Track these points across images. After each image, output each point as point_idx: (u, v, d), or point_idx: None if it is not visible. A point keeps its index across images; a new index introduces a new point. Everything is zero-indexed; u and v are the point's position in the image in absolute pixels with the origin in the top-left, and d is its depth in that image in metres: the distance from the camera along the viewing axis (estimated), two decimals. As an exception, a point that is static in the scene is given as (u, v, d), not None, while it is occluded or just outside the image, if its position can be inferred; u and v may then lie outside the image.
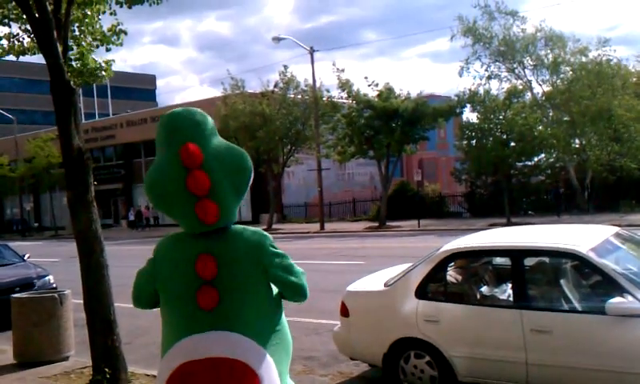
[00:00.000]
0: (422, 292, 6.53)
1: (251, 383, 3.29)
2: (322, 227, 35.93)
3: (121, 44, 8.62)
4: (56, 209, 51.30)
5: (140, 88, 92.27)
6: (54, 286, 12.08)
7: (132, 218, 50.40)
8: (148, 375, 7.64)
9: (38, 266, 13.51)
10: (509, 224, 27.21)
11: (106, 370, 7.24)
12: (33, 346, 8.55)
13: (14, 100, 78.02)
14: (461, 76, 37.76)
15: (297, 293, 3.59)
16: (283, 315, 3.70)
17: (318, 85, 37.48)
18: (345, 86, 35.08)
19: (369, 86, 35.22)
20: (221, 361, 3.32)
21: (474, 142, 33.29)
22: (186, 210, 3.40)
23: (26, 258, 13.95)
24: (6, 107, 62.20)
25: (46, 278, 12.58)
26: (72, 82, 7.57)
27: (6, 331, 9.27)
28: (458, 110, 35.41)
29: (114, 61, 8.26)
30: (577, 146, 34.92)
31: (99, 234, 7.47)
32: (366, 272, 8.36)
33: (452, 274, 6.83)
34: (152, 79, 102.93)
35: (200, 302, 3.41)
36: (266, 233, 3.62)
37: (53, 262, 21.17)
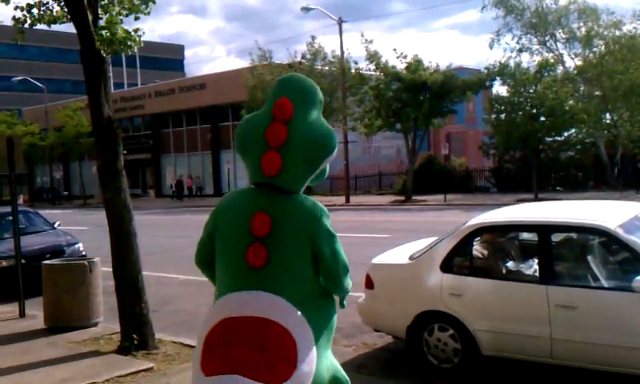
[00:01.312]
0: (447, 266, 6.53)
1: (285, 345, 3.34)
2: (348, 200, 35.95)
3: (149, 13, 8.63)
4: (85, 178, 51.98)
5: (168, 58, 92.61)
6: (84, 253, 12.29)
7: (173, 187, 49.65)
8: (175, 342, 7.77)
9: (68, 234, 13.74)
10: (536, 200, 26.96)
11: (134, 336, 7.39)
12: (63, 312, 8.72)
13: (44, 69, 78.96)
14: (491, 48, 37.64)
15: (331, 278, 3.59)
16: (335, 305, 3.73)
17: (345, 56, 37.26)
18: (373, 57, 34.81)
19: (397, 57, 34.97)
20: (259, 320, 3.37)
21: (503, 115, 32.88)
22: (256, 156, 3.52)
23: (56, 225, 14.19)
24: (36, 76, 62.98)
25: (76, 245, 12.80)
26: (102, 51, 7.62)
27: (37, 297, 9.46)
28: (487, 83, 35.01)
29: (143, 31, 8.25)
30: (608, 121, 34.34)
31: (128, 202, 7.58)
32: (390, 245, 8.37)
33: (478, 249, 6.81)
34: (180, 49, 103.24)
35: (249, 259, 3.47)
36: (325, 209, 3.64)
37: (82, 230, 21.51)
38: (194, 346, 7.59)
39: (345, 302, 3.81)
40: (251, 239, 3.47)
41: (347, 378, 3.80)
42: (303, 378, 3.34)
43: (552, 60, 34.28)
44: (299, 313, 3.43)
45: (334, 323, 3.72)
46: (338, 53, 37.45)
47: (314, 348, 3.44)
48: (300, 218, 3.51)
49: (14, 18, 8.57)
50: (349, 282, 3.68)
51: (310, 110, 3.64)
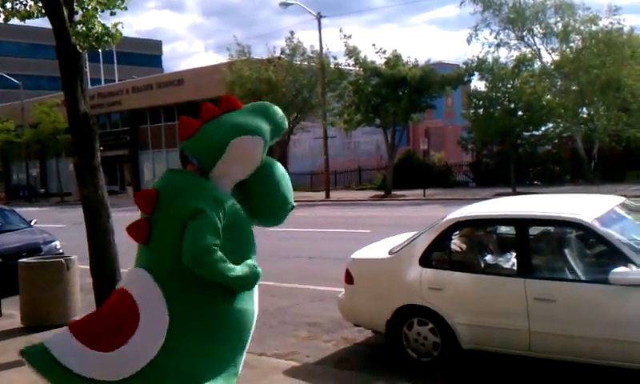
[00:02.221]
0: (426, 260, 6.54)
1: (126, 319, 3.28)
2: (328, 196, 35.98)
3: (125, 8, 8.55)
4: (62, 175, 51.43)
5: (146, 54, 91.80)
6: (61, 251, 12.15)
7: None
8: (154, 339, 7.71)
9: (45, 232, 13.57)
10: (514, 194, 27.15)
11: (112, 333, 7.32)
12: (40, 311, 8.62)
13: (19, 65, 77.81)
14: (469, 43, 37.53)
15: (186, 258, 3.33)
16: (234, 301, 3.49)
17: (324, 51, 37.25)
18: (352, 52, 34.83)
19: (376, 53, 35.05)
20: (118, 291, 3.44)
21: (482, 110, 33.09)
22: None
23: (32, 223, 14.01)
24: (11, 72, 62.12)
25: (53, 243, 12.65)
26: (78, 47, 7.54)
27: (14, 296, 9.35)
28: (465, 78, 35.19)
29: (122, 25, 8.16)
30: (585, 115, 34.67)
31: (105, 199, 7.50)
32: (370, 240, 8.38)
33: (456, 243, 6.84)
34: (158, 45, 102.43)
35: (128, 233, 3.51)
36: (207, 188, 3.46)
37: (59, 228, 21.29)
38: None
39: (242, 286, 3.52)
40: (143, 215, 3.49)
41: None
42: (129, 357, 3.23)
43: (530, 55, 34.53)
44: (160, 293, 3.31)
45: (227, 336, 3.45)
46: (317, 48, 37.43)
47: (163, 335, 3.28)
48: (176, 194, 3.45)
49: (-14, 12, 8.45)
50: (219, 267, 3.34)
51: (242, 115, 3.72)
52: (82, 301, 9.03)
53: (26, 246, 12.12)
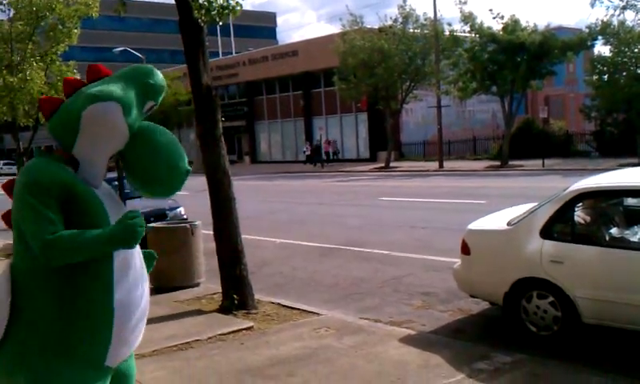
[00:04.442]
0: (547, 232, 6.37)
1: None
2: (441, 166, 35.48)
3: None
4: (184, 144, 52.52)
5: (261, 26, 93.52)
6: (185, 217, 12.74)
7: (308, 152, 47.86)
8: (272, 303, 8.00)
9: (170, 199, 14.23)
10: (641, 164, 25.73)
11: (234, 296, 7.66)
12: (167, 273, 9.07)
13: (142, 39, 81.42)
14: (592, 6, 35.68)
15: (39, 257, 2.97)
16: (92, 293, 3.05)
17: (438, 18, 36.50)
18: (468, 18, 33.92)
19: (493, 18, 33.97)
20: None
21: (606, 77, 31.44)
22: None
23: (158, 190, 14.71)
24: (135, 47, 65.03)
25: (178, 209, 13.28)
26: (200, 21, 7.81)
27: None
28: (589, 43, 33.46)
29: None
30: None
31: (227, 167, 7.80)
32: (486, 211, 8.25)
33: (580, 215, 6.61)
34: (272, 17, 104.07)
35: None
36: (38, 171, 3.04)
37: (182, 195, 22.23)
38: (291, 307, 7.82)
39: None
40: None
41: None
42: None
43: (660, 17, 32.36)
44: (8, 286, 3.04)
45: (76, 315, 3.03)
46: (431, 15, 36.73)
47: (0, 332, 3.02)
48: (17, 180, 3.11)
49: (115, -9, 8.92)
50: (71, 247, 2.91)
51: (102, 83, 3.21)
52: (205, 264, 9.46)
53: (153, 211, 12.76)
